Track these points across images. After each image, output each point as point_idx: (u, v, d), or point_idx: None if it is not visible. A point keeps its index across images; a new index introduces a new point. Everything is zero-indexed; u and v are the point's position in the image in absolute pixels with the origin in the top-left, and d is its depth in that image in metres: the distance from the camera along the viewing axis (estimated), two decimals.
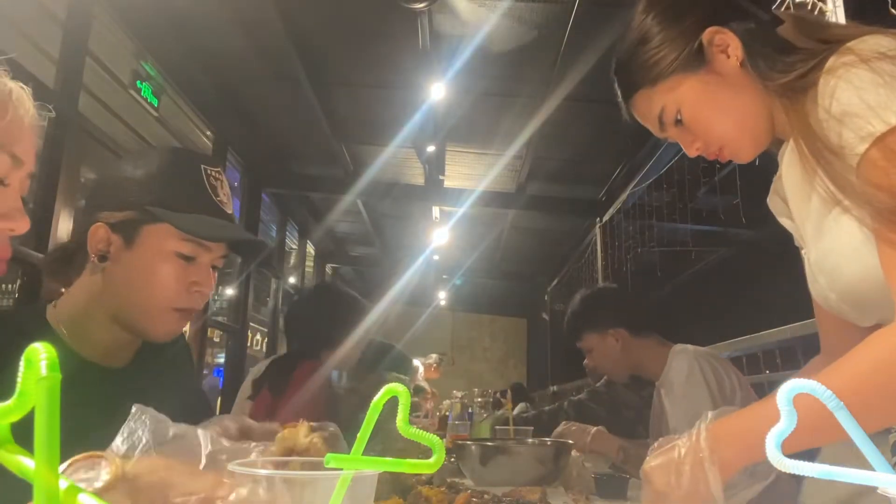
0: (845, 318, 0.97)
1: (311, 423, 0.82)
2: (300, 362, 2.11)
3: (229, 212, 1.11)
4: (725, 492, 0.83)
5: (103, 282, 1.02)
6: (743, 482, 0.95)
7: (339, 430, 0.99)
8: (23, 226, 0.75)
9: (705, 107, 0.99)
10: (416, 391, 4.59)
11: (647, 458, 0.94)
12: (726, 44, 0.96)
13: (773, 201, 1.09)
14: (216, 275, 1.12)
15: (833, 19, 1.95)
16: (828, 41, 0.90)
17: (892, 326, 0.78)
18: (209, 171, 1.08)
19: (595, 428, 2.07)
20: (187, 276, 1.04)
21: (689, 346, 1.97)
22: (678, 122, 1.01)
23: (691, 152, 1.04)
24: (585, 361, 3.04)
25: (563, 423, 2.16)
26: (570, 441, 1.88)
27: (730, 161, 1.08)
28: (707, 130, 1.00)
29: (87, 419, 0.88)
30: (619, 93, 1.09)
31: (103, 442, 0.77)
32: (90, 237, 1.01)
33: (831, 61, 0.85)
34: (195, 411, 1.07)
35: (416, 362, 4.46)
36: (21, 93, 0.74)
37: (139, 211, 1.01)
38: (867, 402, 0.76)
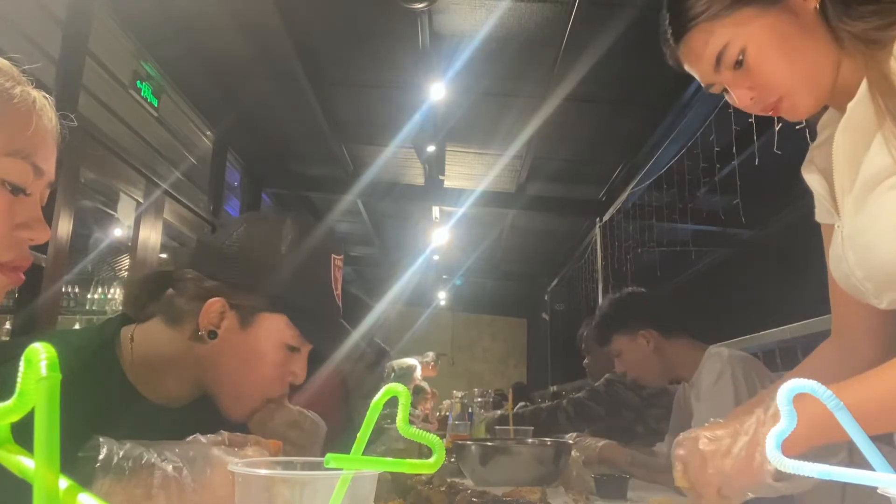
0: (862, 298, 0.95)
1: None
2: None
3: (339, 303, 1.07)
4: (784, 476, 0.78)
5: (202, 352, 0.98)
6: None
7: (320, 420, 0.99)
8: (43, 235, 0.74)
9: (775, 49, 0.89)
10: (416, 391, 4.59)
11: (681, 435, 0.91)
12: None
13: (807, 169, 1.02)
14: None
15: None
16: None
17: None
18: (336, 262, 1.05)
19: (604, 441, 2.09)
20: (288, 366, 1.02)
21: (725, 350, 1.95)
22: (738, 63, 0.91)
23: (744, 101, 0.94)
24: (585, 361, 3.04)
25: (574, 436, 2.18)
26: (578, 454, 1.88)
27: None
28: (771, 76, 0.91)
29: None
30: (669, 29, 0.96)
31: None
32: (205, 310, 0.97)
33: None
34: None
35: (414, 361, 4.46)
36: (44, 102, 0.75)
37: (264, 298, 0.98)
38: None
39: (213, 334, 0.97)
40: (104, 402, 0.88)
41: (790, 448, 0.31)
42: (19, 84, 0.73)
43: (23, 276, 0.75)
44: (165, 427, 0.94)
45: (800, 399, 0.68)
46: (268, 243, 1.01)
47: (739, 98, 0.94)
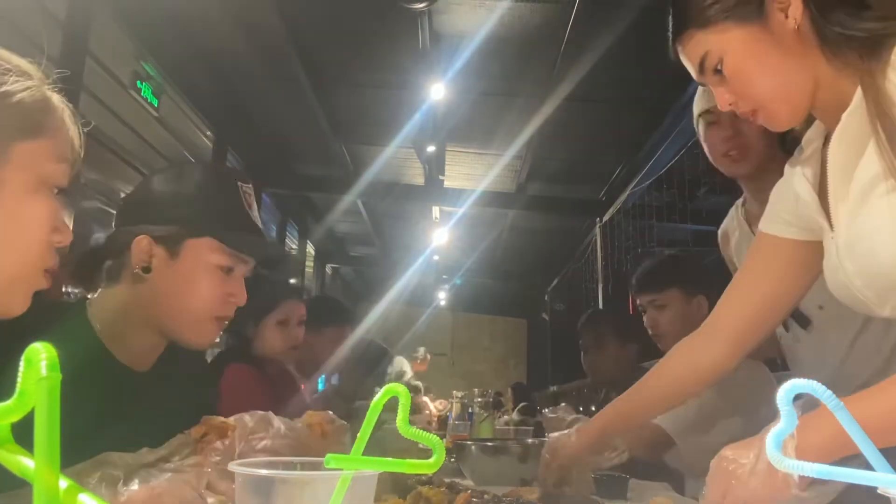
0: (863, 308, 0.95)
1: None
2: (227, 364, 2.02)
3: (261, 226, 1.18)
4: (809, 485, 0.81)
5: (145, 291, 1.06)
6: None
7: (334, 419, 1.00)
8: (69, 238, 0.79)
9: (749, 62, 0.94)
10: (412, 391, 4.58)
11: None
12: (788, 3, 0.92)
13: (798, 182, 1.05)
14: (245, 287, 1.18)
15: None
16: None
17: None
18: (244, 189, 1.15)
19: (573, 415, 2.06)
20: (225, 287, 1.10)
21: None
22: (718, 70, 0.97)
23: (724, 106, 0.99)
24: (585, 358, 3.02)
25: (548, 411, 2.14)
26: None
27: None
28: (745, 87, 0.96)
29: (107, 414, 0.96)
30: (670, 27, 1.04)
31: (118, 438, 0.79)
32: (134, 248, 1.05)
33: None
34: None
35: (403, 359, 4.45)
36: (66, 109, 0.79)
37: (184, 225, 1.07)
38: None
39: (147, 270, 1.05)
40: (82, 368, 0.91)
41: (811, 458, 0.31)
42: (54, 91, 0.77)
43: (50, 280, 0.78)
44: (135, 391, 1.05)
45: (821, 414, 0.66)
46: (179, 180, 1.13)
47: (720, 102, 0.99)
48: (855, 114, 0.89)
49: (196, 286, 1.07)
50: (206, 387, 1.33)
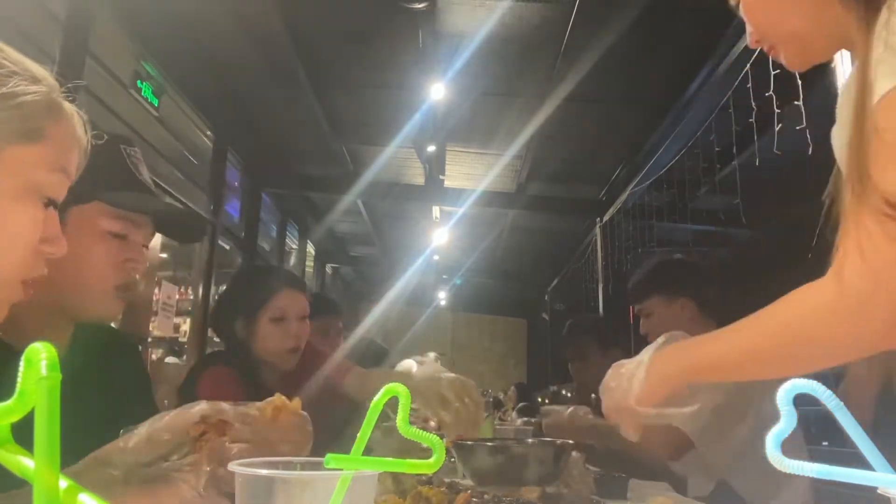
0: None
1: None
2: (206, 368, 1.84)
3: (151, 186, 1.14)
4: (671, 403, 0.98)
5: None
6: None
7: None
8: (62, 249, 0.76)
9: (759, 2, 0.95)
10: None
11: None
12: None
13: (834, 134, 0.99)
14: (148, 253, 1.14)
15: None
16: None
17: (816, 284, 0.83)
18: (128, 151, 1.12)
19: (572, 407, 2.07)
20: (120, 253, 1.05)
21: None
22: (736, 5, 0.96)
23: (751, 43, 0.99)
24: (571, 367, 3.02)
25: (571, 408, 2.14)
26: (575, 426, 1.87)
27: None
28: (759, 24, 0.96)
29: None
30: None
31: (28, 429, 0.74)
32: None
33: None
34: (133, 406, 1.07)
35: (412, 362, 4.44)
36: (78, 118, 0.77)
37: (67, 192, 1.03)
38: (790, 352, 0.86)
39: None
40: None
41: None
42: (65, 100, 0.75)
43: (31, 292, 0.76)
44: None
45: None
46: None
47: (749, 39, 0.99)
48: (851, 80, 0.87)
49: (88, 255, 1.02)
50: (132, 368, 1.26)
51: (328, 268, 8.62)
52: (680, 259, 2.25)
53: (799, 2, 0.91)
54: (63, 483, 0.27)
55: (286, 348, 1.84)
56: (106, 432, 0.79)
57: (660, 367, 0.98)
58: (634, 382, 0.99)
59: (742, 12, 0.96)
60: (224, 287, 2.23)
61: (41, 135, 0.71)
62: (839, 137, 0.89)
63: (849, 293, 0.78)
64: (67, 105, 0.75)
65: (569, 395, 4.38)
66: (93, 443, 0.77)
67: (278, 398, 0.81)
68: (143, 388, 1.26)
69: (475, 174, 5.59)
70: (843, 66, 1.91)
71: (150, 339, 4.12)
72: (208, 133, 4.60)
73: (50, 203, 0.73)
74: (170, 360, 4.55)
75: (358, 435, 0.45)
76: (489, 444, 1.88)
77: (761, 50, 0.99)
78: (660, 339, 1.06)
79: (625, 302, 2.23)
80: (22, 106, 0.69)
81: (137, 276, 1.09)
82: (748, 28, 0.98)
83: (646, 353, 1.02)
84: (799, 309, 0.85)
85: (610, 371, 1.09)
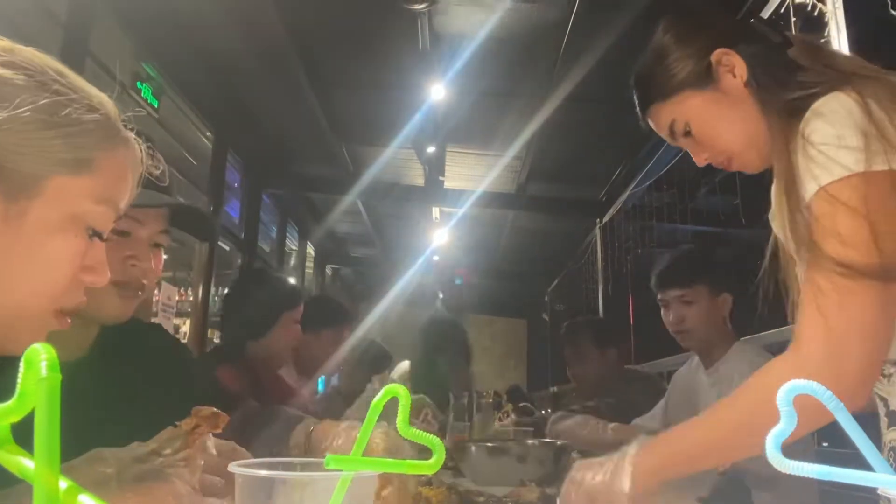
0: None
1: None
2: (218, 366, 1.95)
3: (160, 184, 1.06)
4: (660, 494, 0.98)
5: None
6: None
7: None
8: (104, 279, 0.72)
9: (712, 121, 1.06)
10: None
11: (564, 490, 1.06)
12: (733, 64, 1.04)
13: (772, 218, 1.11)
14: (161, 254, 1.07)
15: (833, 20, 1.96)
16: (832, 68, 0.97)
17: (781, 358, 0.92)
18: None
19: (613, 424, 2.03)
20: (121, 250, 0.99)
21: (751, 348, 1.95)
22: (687, 133, 1.09)
23: (700, 162, 1.12)
24: (569, 369, 3.01)
25: (580, 417, 2.12)
26: (585, 436, 1.86)
27: None
28: (714, 143, 1.08)
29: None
30: (637, 104, 1.17)
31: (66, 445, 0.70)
32: None
33: (818, 103, 0.92)
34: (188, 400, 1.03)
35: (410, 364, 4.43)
36: (136, 148, 0.75)
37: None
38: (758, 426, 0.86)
39: None
40: None
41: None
42: (125, 128, 0.73)
43: (69, 321, 0.72)
44: (75, 385, 0.79)
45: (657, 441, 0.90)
46: None
47: (696, 158, 1.12)
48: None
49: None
50: (178, 363, 1.19)
51: (328, 268, 8.61)
52: (720, 251, 2.22)
53: (740, 126, 1.05)
54: (63, 483, 0.27)
55: (293, 345, 2.19)
56: (153, 425, 0.75)
57: (647, 460, 0.98)
58: (621, 475, 0.97)
59: (696, 137, 1.08)
60: (246, 286, 2.35)
61: (91, 166, 0.68)
62: (777, 220, 1.02)
63: (810, 361, 0.86)
64: (125, 134, 0.73)
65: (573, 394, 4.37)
66: (141, 436, 0.74)
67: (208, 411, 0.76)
68: (179, 377, 1.18)
69: (475, 175, 5.58)
70: None
71: None
72: (208, 134, 4.59)
73: (95, 234, 0.70)
74: None
75: (358, 436, 0.45)
76: (489, 444, 1.88)
77: None
78: (633, 444, 1.02)
79: (627, 293, 2.21)
80: (73, 136, 0.67)
81: (145, 277, 1.02)
82: (696, 151, 1.10)
83: (619, 455, 1.01)
84: (767, 386, 0.90)
85: (575, 467, 1.07)
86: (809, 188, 0.88)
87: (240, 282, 2.53)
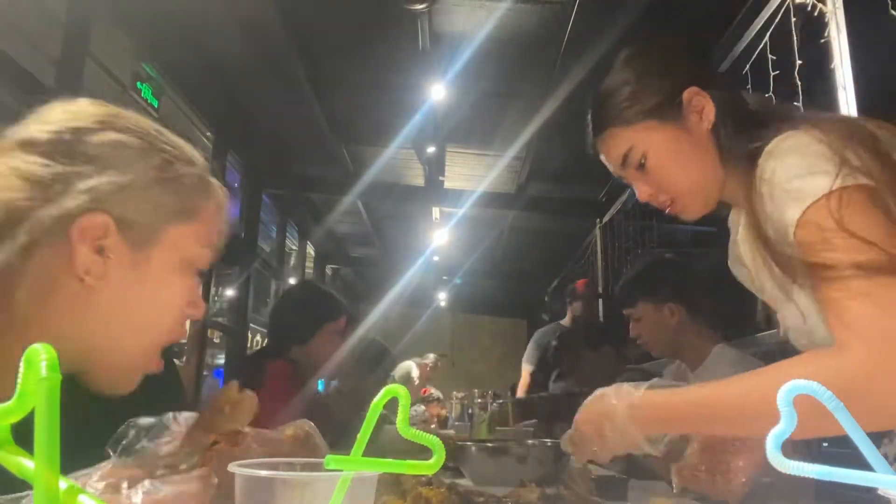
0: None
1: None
2: (270, 361, 2.20)
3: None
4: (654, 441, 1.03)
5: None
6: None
7: (314, 428, 0.94)
8: (201, 312, 0.80)
9: (671, 157, 1.05)
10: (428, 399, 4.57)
11: (581, 408, 1.11)
12: (702, 106, 1.03)
13: (734, 266, 1.12)
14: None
15: (833, 21, 1.95)
16: (786, 121, 0.97)
17: (828, 352, 0.86)
18: None
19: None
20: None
21: (731, 351, 1.95)
22: (641, 165, 1.06)
23: (643, 196, 1.10)
24: (569, 376, 3.01)
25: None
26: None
27: None
28: (664, 180, 1.06)
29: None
30: (590, 125, 1.14)
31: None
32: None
33: (771, 144, 0.93)
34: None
35: (412, 363, 4.43)
36: (222, 194, 0.82)
37: None
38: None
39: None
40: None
41: None
42: (213, 178, 0.81)
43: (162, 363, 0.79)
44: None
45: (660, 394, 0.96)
46: None
47: (640, 194, 1.10)
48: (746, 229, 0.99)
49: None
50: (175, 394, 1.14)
51: (328, 268, 8.61)
52: (669, 260, 2.24)
53: (694, 167, 1.05)
54: (63, 484, 0.27)
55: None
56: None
57: (648, 412, 1.01)
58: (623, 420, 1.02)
59: (648, 171, 1.06)
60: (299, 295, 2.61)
61: (195, 213, 0.77)
62: (750, 264, 1.03)
63: (864, 362, 0.81)
64: (214, 181, 0.81)
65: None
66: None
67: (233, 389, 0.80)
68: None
69: (475, 175, 5.58)
70: (843, 67, 1.91)
71: None
72: (208, 134, 4.59)
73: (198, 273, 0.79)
74: None
75: (358, 436, 0.45)
76: (489, 444, 1.88)
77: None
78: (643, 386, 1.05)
79: (617, 305, 2.26)
80: (182, 189, 0.75)
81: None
82: (641, 184, 1.09)
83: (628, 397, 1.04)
84: (809, 374, 0.88)
85: (597, 402, 1.10)
86: (790, 221, 0.87)
87: (290, 291, 2.80)
